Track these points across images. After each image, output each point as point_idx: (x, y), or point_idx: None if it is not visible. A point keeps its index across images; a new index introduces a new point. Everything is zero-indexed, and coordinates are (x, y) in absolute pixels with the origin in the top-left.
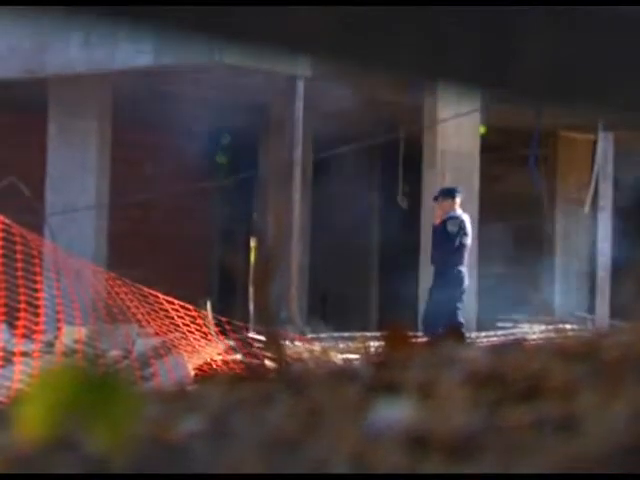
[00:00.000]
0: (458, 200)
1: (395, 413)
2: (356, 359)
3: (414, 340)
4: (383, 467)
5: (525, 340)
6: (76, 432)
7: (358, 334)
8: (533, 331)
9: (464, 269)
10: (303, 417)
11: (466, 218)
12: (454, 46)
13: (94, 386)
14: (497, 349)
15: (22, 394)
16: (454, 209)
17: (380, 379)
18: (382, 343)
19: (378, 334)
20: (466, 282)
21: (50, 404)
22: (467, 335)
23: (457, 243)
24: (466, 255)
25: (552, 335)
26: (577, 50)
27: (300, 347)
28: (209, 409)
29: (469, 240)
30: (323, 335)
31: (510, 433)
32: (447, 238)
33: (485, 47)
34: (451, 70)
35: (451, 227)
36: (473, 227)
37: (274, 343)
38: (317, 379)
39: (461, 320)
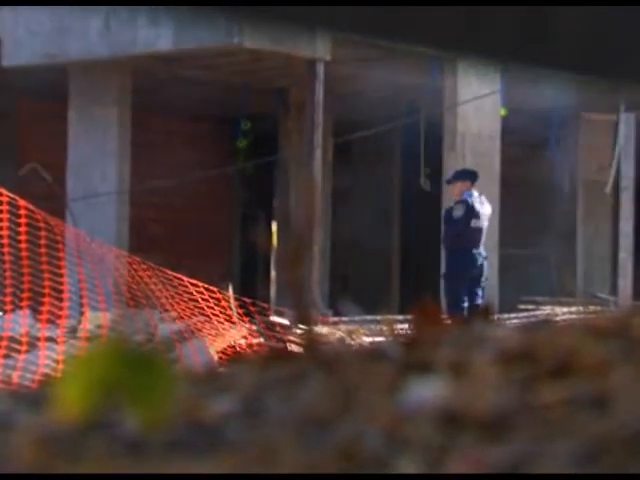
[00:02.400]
0: (469, 182)
1: (427, 391)
2: (384, 340)
3: (444, 319)
4: (416, 443)
5: (553, 320)
6: (114, 411)
7: (380, 317)
8: (556, 313)
9: (477, 251)
10: (336, 396)
11: (477, 200)
12: (487, 19)
13: (132, 365)
14: (527, 328)
15: (60, 374)
16: (466, 191)
17: (411, 358)
18: (412, 322)
19: (403, 316)
20: (480, 264)
21: (88, 383)
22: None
23: (462, 227)
24: (478, 237)
25: (578, 315)
26: (610, 24)
27: (325, 329)
28: (241, 389)
29: (481, 222)
30: (346, 318)
31: (542, 411)
32: (453, 222)
33: (518, 22)
34: (484, 45)
35: (456, 212)
36: (494, 209)
37: (306, 323)
38: (348, 359)
39: (478, 302)
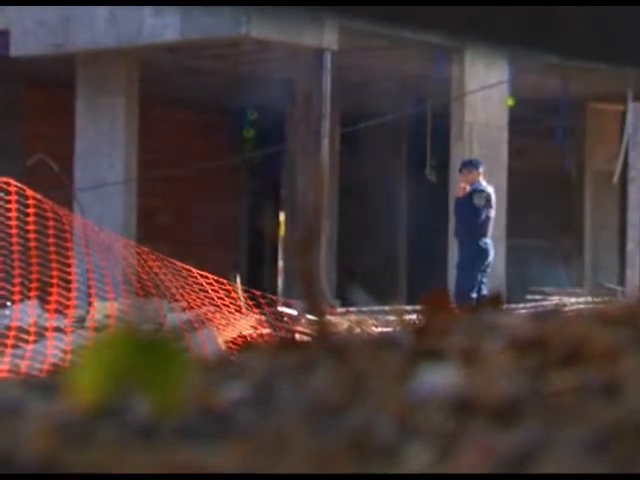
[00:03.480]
0: (481, 171)
1: (438, 379)
2: (394, 329)
3: (454, 307)
4: (427, 431)
5: (562, 309)
6: (127, 398)
7: (388, 307)
8: (564, 303)
9: (489, 241)
10: (346, 383)
11: (491, 190)
12: (497, 6)
13: (145, 352)
14: (537, 316)
15: (74, 362)
16: (479, 181)
17: (422, 346)
18: (422, 310)
19: (411, 307)
20: (492, 254)
21: (102, 371)
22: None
23: (483, 216)
24: (490, 227)
25: (587, 305)
26: (618, 13)
27: (334, 319)
28: (252, 376)
29: (493, 212)
30: (353, 309)
31: (553, 398)
32: (473, 211)
33: (527, 8)
34: (493, 32)
35: (477, 200)
36: (502, 199)
37: (316, 312)
38: (359, 347)
39: (486, 293)
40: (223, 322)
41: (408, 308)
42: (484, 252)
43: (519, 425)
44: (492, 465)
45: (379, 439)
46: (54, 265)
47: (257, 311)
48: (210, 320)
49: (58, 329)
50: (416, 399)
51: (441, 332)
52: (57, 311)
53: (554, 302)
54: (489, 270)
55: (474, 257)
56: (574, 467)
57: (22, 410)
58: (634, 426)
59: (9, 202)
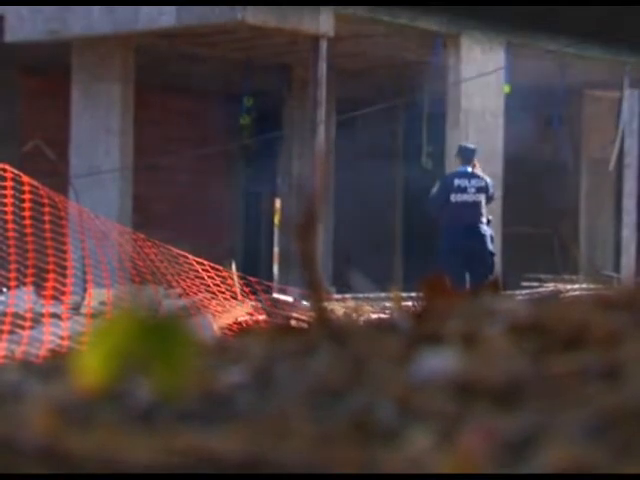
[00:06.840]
0: (459, 158)
1: (439, 362)
2: (394, 313)
3: (453, 291)
4: (428, 414)
5: (560, 294)
6: (131, 381)
7: (384, 294)
8: (560, 290)
9: (464, 226)
10: (347, 367)
11: (459, 175)
12: None
13: (152, 334)
14: (537, 301)
15: (76, 346)
16: (460, 167)
17: (421, 330)
18: (421, 294)
19: (407, 293)
20: (471, 239)
21: (108, 353)
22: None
23: (440, 203)
24: (466, 212)
25: (583, 291)
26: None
27: (331, 305)
28: (252, 361)
29: (468, 196)
30: (349, 295)
31: (553, 382)
32: (430, 200)
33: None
34: (493, 15)
35: (433, 189)
36: (497, 187)
37: (316, 295)
38: (359, 331)
39: (482, 280)
40: (219, 308)
41: (404, 294)
42: (453, 238)
43: (520, 408)
44: (493, 448)
45: (380, 422)
46: (50, 251)
47: (253, 297)
48: (206, 306)
49: (54, 315)
50: (417, 382)
51: (441, 316)
52: (53, 297)
53: (550, 289)
54: (487, 256)
55: (443, 244)
56: (574, 451)
57: (23, 394)
58: (634, 410)
59: (5, 188)
